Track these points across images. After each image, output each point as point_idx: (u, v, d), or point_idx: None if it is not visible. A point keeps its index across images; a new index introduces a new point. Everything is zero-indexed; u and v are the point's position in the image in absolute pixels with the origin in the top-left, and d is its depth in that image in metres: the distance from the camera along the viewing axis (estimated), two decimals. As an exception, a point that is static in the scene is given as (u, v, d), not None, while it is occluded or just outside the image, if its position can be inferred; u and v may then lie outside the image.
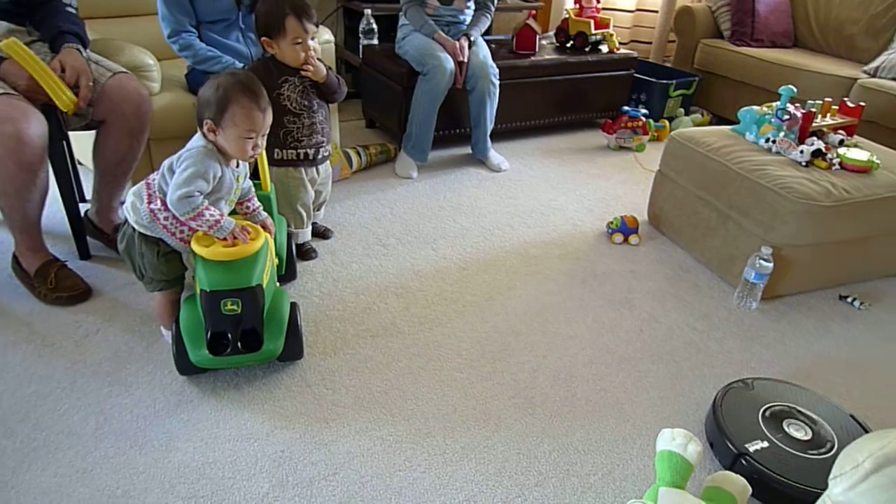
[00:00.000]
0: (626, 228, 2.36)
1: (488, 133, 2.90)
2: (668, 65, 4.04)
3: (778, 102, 2.24)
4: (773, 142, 2.15)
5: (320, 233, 2.23)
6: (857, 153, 2.07)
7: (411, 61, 2.74)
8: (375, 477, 1.32)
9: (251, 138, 1.44)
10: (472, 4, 2.85)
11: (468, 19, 2.86)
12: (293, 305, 1.60)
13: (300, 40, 1.78)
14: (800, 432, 1.42)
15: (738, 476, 1.26)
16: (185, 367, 1.50)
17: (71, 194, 1.93)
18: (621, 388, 1.63)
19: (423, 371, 1.64)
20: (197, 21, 2.14)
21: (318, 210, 2.18)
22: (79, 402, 1.47)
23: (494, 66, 2.76)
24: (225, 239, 1.44)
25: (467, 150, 3.04)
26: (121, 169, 1.96)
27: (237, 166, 1.53)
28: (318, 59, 1.86)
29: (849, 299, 2.07)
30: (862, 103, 2.34)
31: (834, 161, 2.05)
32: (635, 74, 3.47)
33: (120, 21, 2.53)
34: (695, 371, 1.71)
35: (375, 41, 3.29)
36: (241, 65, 2.15)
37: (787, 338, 1.88)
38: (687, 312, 1.96)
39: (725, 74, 3.63)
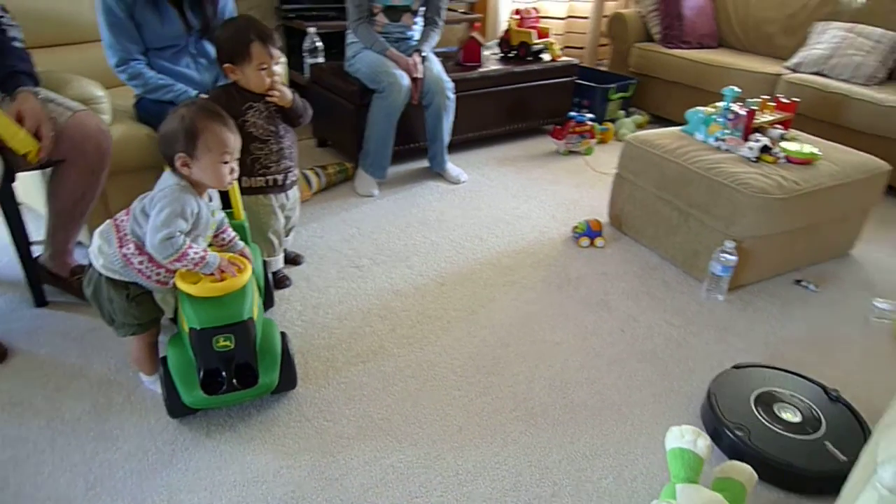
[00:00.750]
0: (591, 232, 2.42)
1: (445, 146, 2.92)
2: (604, 69, 4.18)
3: (722, 103, 2.36)
4: (723, 140, 2.27)
5: (291, 259, 2.18)
6: (800, 146, 2.21)
7: (364, 79, 2.72)
8: (394, 507, 1.31)
9: (227, 162, 1.39)
10: (419, 20, 2.86)
11: (416, 35, 2.87)
12: (283, 335, 1.57)
13: (265, 66, 1.74)
14: (790, 414, 1.50)
15: (745, 465, 1.32)
16: (178, 409, 1.44)
17: (23, 238, 1.81)
18: (615, 390, 1.67)
19: (420, 393, 1.63)
20: (144, 48, 2.05)
21: (287, 235, 2.13)
22: (62, 462, 1.37)
23: (449, 80, 2.78)
24: (212, 274, 1.39)
25: (424, 163, 3.05)
26: (78, 209, 1.85)
27: (209, 200, 1.48)
28: (282, 83, 1.82)
29: (803, 283, 2.21)
30: (796, 99, 2.51)
31: (780, 155, 2.19)
32: (576, 80, 3.58)
33: (57, 50, 2.39)
34: (679, 366, 1.78)
35: (321, 59, 3.25)
36: (195, 92, 2.07)
37: (755, 325, 1.98)
38: (661, 309, 2.04)
39: (659, 76, 3.80)
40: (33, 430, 1.45)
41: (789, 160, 2.18)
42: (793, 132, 2.44)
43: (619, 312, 2.01)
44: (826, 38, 3.29)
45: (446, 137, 2.89)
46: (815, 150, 2.19)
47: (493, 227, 2.52)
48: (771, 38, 3.69)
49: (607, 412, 1.60)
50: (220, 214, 1.57)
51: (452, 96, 2.80)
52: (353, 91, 2.76)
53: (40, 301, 1.89)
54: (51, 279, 1.93)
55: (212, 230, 1.50)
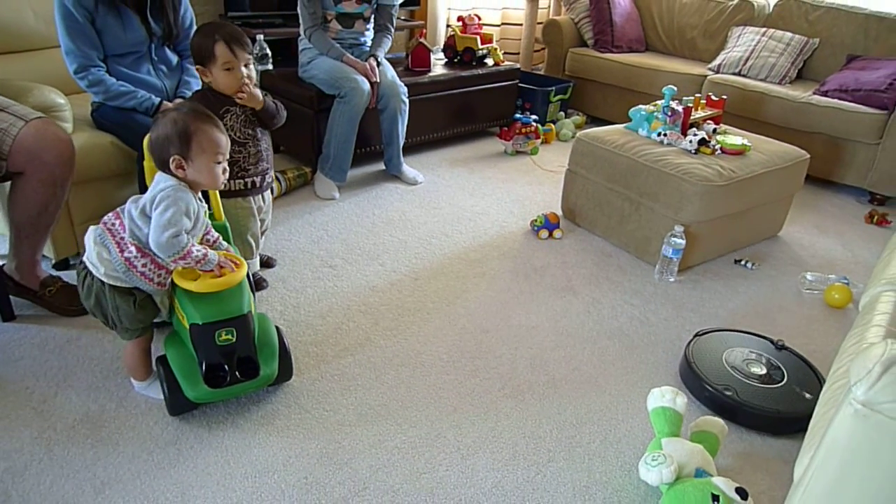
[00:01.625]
0: (549, 224, 2.57)
1: (401, 149, 3.00)
2: (540, 73, 4.38)
3: (661, 101, 2.57)
4: (665, 135, 2.47)
5: (264, 262, 2.20)
6: (732, 139, 2.44)
7: (321, 85, 2.77)
8: (405, 483, 1.38)
9: (220, 162, 1.42)
10: (371, 26, 2.94)
11: (368, 41, 2.94)
12: (277, 329, 1.61)
13: (230, 66, 1.76)
14: (756, 368, 1.72)
15: (717, 418, 1.48)
16: (180, 406, 1.48)
17: (-12, 252, 1.75)
18: (590, 365, 1.81)
19: (412, 379, 1.70)
20: (104, 54, 2.02)
21: (264, 232, 2.15)
22: (63, 470, 1.36)
23: (403, 84, 2.87)
24: (212, 271, 1.42)
25: (380, 166, 3.11)
26: (43, 220, 1.80)
27: (200, 200, 1.51)
28: (254, 85, 1.85)
29: (742, 262, 2.44)
30: (724, 96, 2.75)
31: (716, 147, 2.40)
32: (519, 84, 3.74)
33: (11, 58, 2.31)
34: (644, 340, 1.94)
35: (270, 66, 3.26)
36: (157, 99, 2.07)
37: (705, 301, 2.17)
38: (621, 291, 2.20)
39: (594, 79, 4.03)
40: (26, 441, 1.42)
41: (724, 151, 2.40)
42: (723, 127, 2.68)
43: (583, 296, 2.15)
44: (743, 41, 3.60)
45: (401, 140, 2.97)
46: (746, 142, 2.43)
47: (455, 224, 2.62)
48: (693, 42, 4.00)
49: (587, 385, 1.72)
50: (208, 221, 1.60)
51: (407, 100, 2.88)
52: (311, 97, 2.80)
53: (8, 315, 1.84)
54: (19, 291, 1.87)
55: (202, 230, 1.52)
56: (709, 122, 2.66)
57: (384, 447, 1.47)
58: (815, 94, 3.20)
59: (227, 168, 1.47)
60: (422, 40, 3.32)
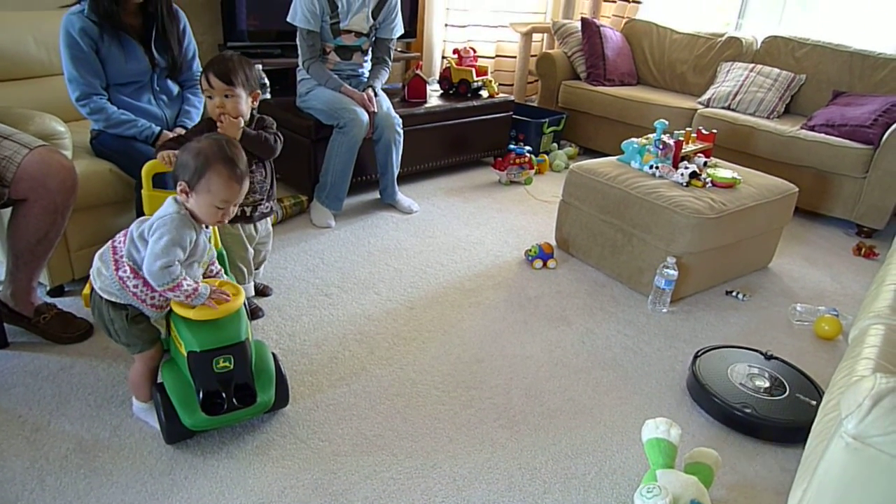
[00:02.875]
0: (543, 254, 2.59)
1: (395, 178, 3.03)
2: (534, 104, 4.46)
3: (653, 134, 2.62)
4: (656, 168, 2.52)
5: (260, 291, 2.21)
6: (723, 172, 2.49)
7: (320, 115, 2.81)
8: (400, 515, 1.37)
9: (221, 208, 1.43)
10: (368, 58, 3.00)
11: (366, 72, 3.00)
12: (274, 355, 1.62)
13: (208, 94, 1.80)
14: (760, 381, 1.83)
15: (711, 450, 1.48)
16: (177, 433, 1.48)
17: (-17, 278, 1.75)
18: (585, 395, 1.82)
19: (407, 409, 1.70)
20: (106, 83, 2.06)
21: (258, 268, 2.16)
22: (55, 501, 1.35)
23: (397, 115, 2.92)
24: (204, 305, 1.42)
25: (374, 195, 3.15)
26: (41, 247, 1.81)
27: (206, 227, 1.53)
28: (237, 118, 1.80)
29: (733, 293, 2.46)
30: (714, 130, 2.82)
31: (707, 180, 2.45)
32: (513, 115, 3.81)
33: (12, 85, 2.34)
34: (637, 371, 1.95)
35: (268, 95, 3.31)
36: (158, 128, 2.10)
37: (698, 332, 2.20)
38: (615, 321, 2.22)
39: (586, 111, 4.10)
40: (18, 471, 1.41)
41: (715, 184, 2.45)
42: (714, 160, 2.73)
43: (577, 326, 2.17)
44: (732, 76, 3.69)
45: (396, 170, 3.01)
46: (736, 176, 2.48)
47: (450, 254, 2.64)
48: (684, 77, 4.09)
49: (581, 416, 1.73)
50: (214, 251, 1.62)
51: (401, 131, 2.93)
52: (308, 126, 2.84)
53: (1, 342, 1.83)
54: (13, 318, 1.87)
55: (208, 257, 1.55)
56: (699, 155, 2.71)
57: (380, 478, 1.47)
58: (802, 128, 3.28)
59: (231, 212, 1.46)
60: (418, 72, 3.38)
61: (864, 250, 2.95)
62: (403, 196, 3.10)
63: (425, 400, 1.74)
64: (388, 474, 1.48)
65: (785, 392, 1.78)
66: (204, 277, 1.59)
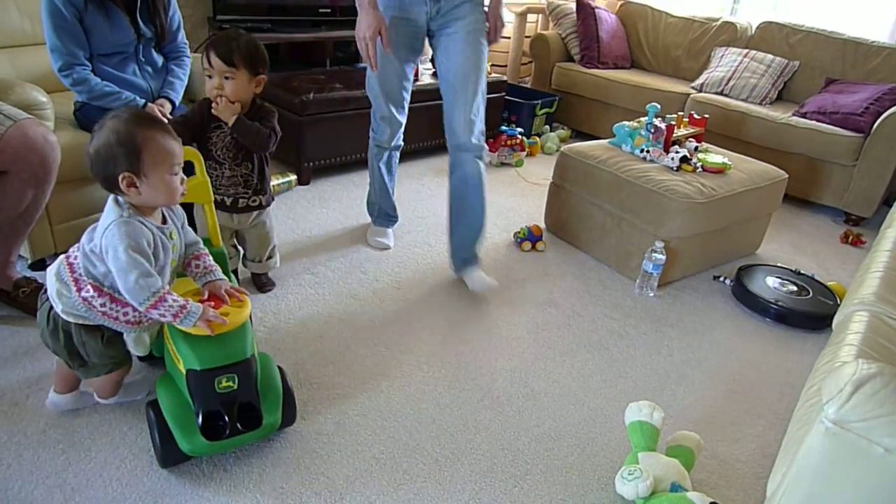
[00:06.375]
0: (532, 236, 2.58)
1: (476, 241, 2.21)
2: (527, 86, 4.42)
3: (645, 118, 2.60)
4: (647, 152, 2.51)
5: (260, 284, 2.10)
6: (714, 157, 2.48)
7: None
8: (382, 494, 1.37)
9: (176, 172, 1.25)
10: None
11: None
12: (280, 369, 1.48)
13: (208, 73, 1.74)
14: (790, 286, 2.33)
15: (692, 433, 1.49)
16: (173, 458, 1.34)
17: (-38, 250, 1.72)
18: (569, 377, 1.82)
19: (392, 389, 1.70)
20: (90, 53, 2.00)
21: (266, 259, 2.05)
22: (32, 476, 1.33)
23: (482, 134, 2.24)
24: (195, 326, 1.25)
25: (361, 173, 3.10)
26: (22, 221, 1.78)
27: (164, 222, 1.32)
28: (234, 102, 1.74)
29: (721, 278, 2.47)
30: (706, 115, 2.80)
31: (697, 165, 2.44)
32: (505, 97, 3.77)
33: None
34: (623, 353, 1.95)
35: (257, 71, 3.25)
36: (142, 100, 2.05)
37: (684, 316, 2.20)
38: (601, 305, 2.22)
39: (579, 93, 4.07)
40: (-5, 445, 1.40)
41: (705, 169, 2.44)
42: (705, 145, 2.72)
43: (564, 309, 2.17)
44: (725, 61, 3.67)
45: (479, 226, 2.23)
46: (727, 161, 2.47)
47: (439, 234, 2.62)
48: (677, 61, 4.07)
49: (565, 398, 1.73)
50: (191, 235, 1.44)
51: (485, 159, 2.34)
52: (297, 102, 2.79)
53: (-21, 316, 1.80)
54: (-8, 292, 1.84)
55: (176, 254, 1.35)
56: (691, 140, 2.69)
57: (361, 457, 1.46)
58: (794, 115, 3.27)
59: (185, 177, 1.29)
60: (410, 50, 3.33)
61: (851, 238, 2.96)
62: (483, 274, 2.18)
63: (409, 380, 1.74)
64: (369, 453, 1.47)
65: (809, 294, 2.29)
66: (193, 277, 1.41)
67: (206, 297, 1.36)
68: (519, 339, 1.97)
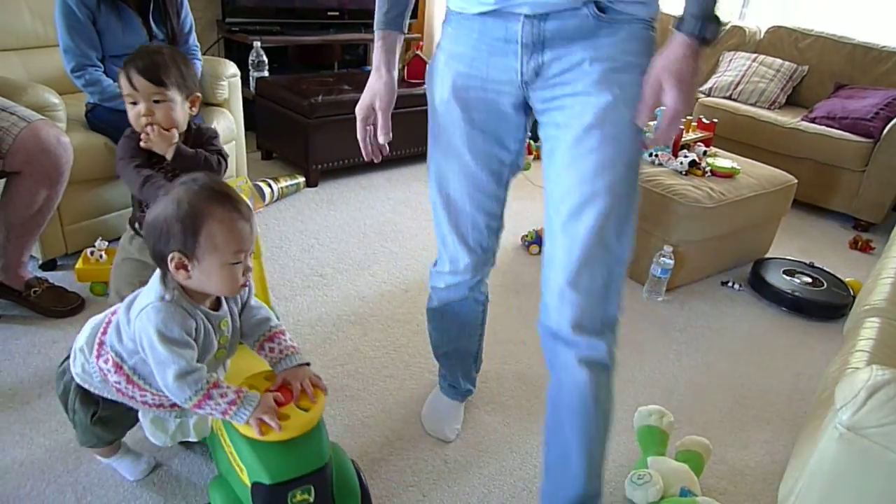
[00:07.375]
0: (540, 240, 2.58)
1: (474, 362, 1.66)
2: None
3: (654, 122, 2.60)
4: (656, 156, 2.50)
5: None
6: (722, 162, 2.48)
7: None
8: (391, 497, 1.37)
9: (239, 262, 1.03)
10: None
11: None
12: (353, 463, 1.24)
13: (131, 99, 1.42)
14: (805, 279, 2.42)
15: (702, 438, 1.49)
16: None
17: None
18: (578, 382, 1.81)
19: (400, 391, 1.70)
20: (102, 54, 2.02)
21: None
22: (45, 475, 1.34)
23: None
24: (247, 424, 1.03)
25: (370, 176, 3.12)
26: (34, 221, 1.80)
27: (216, 307, 1.10)
28: (169, 129, 1.44)
29: (729, 283, 2.46)
30: (715, 120, 2.80)
31: (706, 169, 2.44)
32: (513, 99, 3.77)
33: (6, 56, 2.29)
34: (631, 358, 1.95)
35: (266, 73, 3.27)
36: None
37: (693, 321, 2.20)
38: (609, 309, 2.21)
39: (587, 97, 4.06)
40: (7, 445, 1.40)
41: (714, 174, 2.43)
42: (714, 149, 2.71)
43: (572, 313, 2.16)
44: (734, 66, 3.67)
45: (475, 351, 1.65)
46: (736, 165, 2.46)
47: (447, 237, 2.62)
48: (685, 65, 4.05)
49: (574, 402, 1.73)
50: (257, 312, 1.19)
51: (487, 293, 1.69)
52: (305, 105, 2.81)
53: (-9, 315, 1.82)
54: (3, 292, 1.85)
55: (223, 345, 1.12)
56: (699, 144, 2.69)
57: (370, 458, 1.47)
58: (803, 120, 3.26)
59: (250, 266, 1.07)
60: (418, 52, 3.35)
61: (860, 244, 2.95)
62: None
63: (417, 383, 1.74)
64: (378, 455, 1.48)
65: (823, 286, 2.38)
66: (269, 361, 1.17)
67: (277, 385, 1.12)
68: (527, 343, 1.97)
